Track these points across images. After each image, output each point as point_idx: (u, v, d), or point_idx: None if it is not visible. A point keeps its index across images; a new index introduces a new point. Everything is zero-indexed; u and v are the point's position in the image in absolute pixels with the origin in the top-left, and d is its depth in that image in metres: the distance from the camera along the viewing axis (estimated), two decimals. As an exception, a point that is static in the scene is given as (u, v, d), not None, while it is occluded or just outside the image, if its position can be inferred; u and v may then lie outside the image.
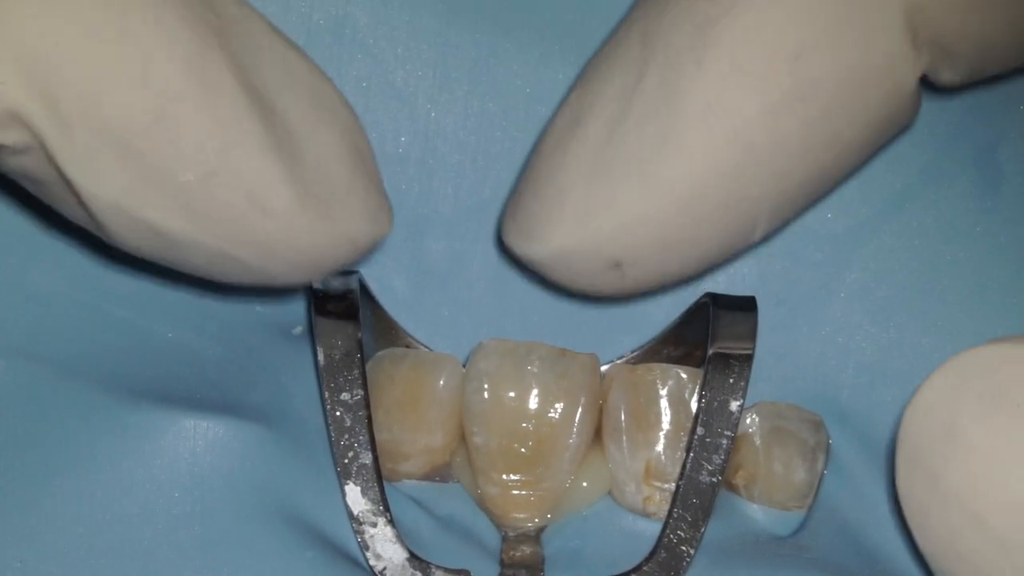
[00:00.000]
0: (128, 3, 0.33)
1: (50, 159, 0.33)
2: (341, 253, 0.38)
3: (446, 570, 0.39)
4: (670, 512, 0.40)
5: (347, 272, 0.42)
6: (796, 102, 0.35)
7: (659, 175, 0.36)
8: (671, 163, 0.36)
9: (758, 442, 0.43)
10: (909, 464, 0.35)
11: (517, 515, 0.42)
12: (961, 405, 0.33)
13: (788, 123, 0.35)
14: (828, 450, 0.44)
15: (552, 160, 0.38)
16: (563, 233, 0.38)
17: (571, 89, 0.40)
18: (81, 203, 0.35)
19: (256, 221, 0.35)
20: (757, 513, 0.43)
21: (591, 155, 0.37)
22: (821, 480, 0.43)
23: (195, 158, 0.34)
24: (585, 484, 0.42)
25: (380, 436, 0.41)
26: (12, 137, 0.33)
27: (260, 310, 0.45)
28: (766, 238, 0.39)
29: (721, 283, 0.45)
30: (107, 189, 0.34)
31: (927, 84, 0.37)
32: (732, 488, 0.43)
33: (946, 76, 0.37)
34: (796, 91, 0.35)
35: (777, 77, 0.35)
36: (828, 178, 0.38)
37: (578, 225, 0.37)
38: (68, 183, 0.34)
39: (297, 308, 0.45)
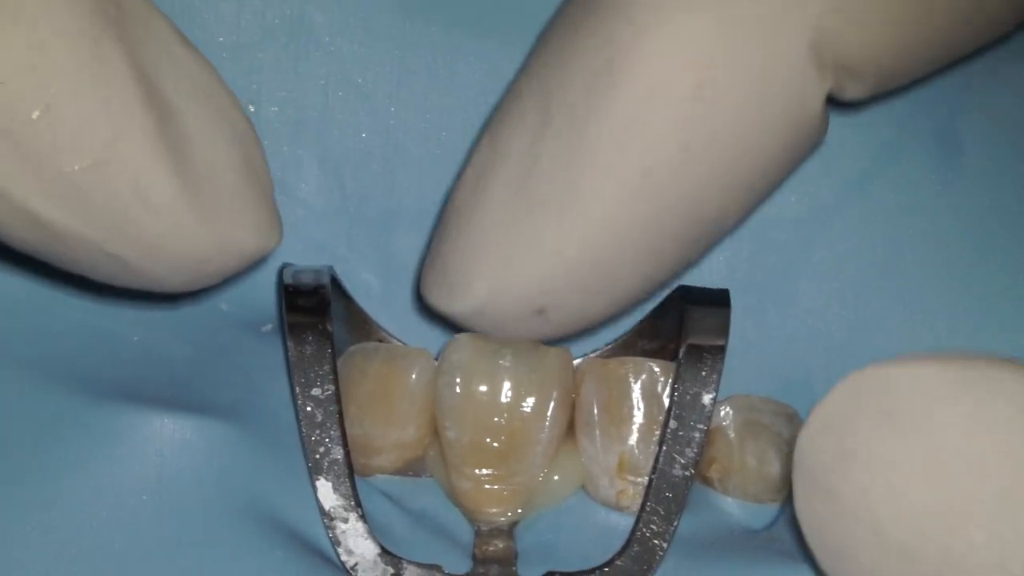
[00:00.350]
0: None
1: None
2: (226, 260, 0.37)
3: (418, 565, 0.39)
4: (643, 506, 0.40)
5: (319, 267, 0.42)
6: (702, 140, 0.35)
7: (573, 220, 0.36)
8: (583, 207, 0.36)
9: (732, 435, 0.43)
10: (806, 483, 0.35)
11: (490, 509, 0.41)
12: (856, 423, 0.34)
13: (696, 161, 0.35)
14: (802, 443, 0.43)
15: (464, 214, 0.39)
16: (485, 285, 0.38)
17: (475, 144, 0.40)
18: None
19: (139, 215, 0.35)
20: (731, 506, 0.43)
21: (504, 206, 0.37)
22: (795, 473, 0.43)
23: (82, 147, 0.34)
24: (558, 478, 0.42)
25: (352, 431, 0.41)
26: None
27: (226, 309, 0.45)
28: (689, 266, 0.39)
29: (688, 271, 0.45)
30: None
31: (832, 101, 0.37)
32: (706, 481, 0.43)
33: (850, 94, 0.37)
34: (701, 129, 0.35)
35: (680, 117, 0.35)
36: (742, 206, 0.38)
37: (499, 275, 0.38)
38: None
39: (265, 307, 0.45)
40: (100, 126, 0.34)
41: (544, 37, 0.39)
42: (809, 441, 0.35)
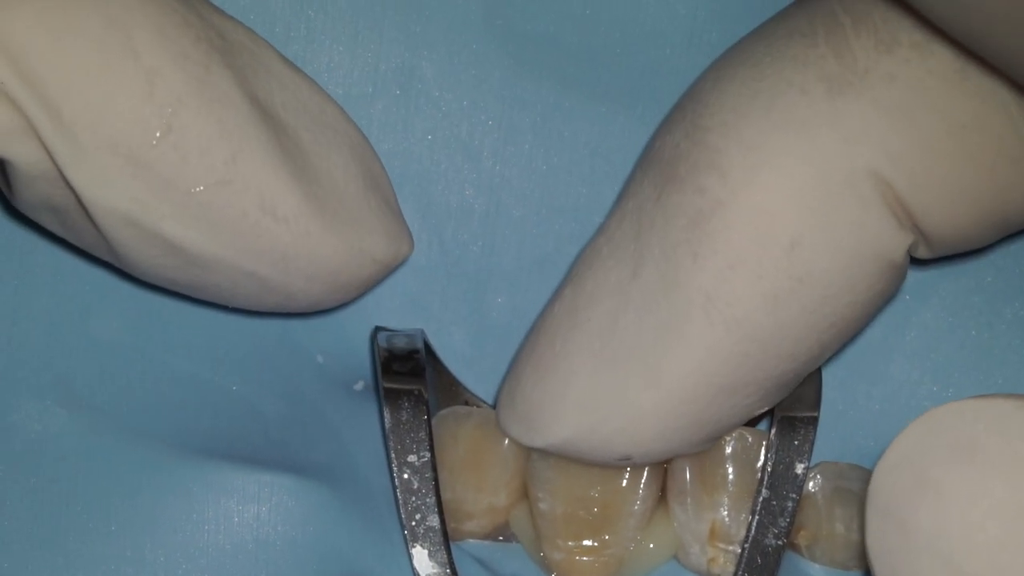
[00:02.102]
0: (132, 20, 0.34)
1: (60, 174, 0.34)
2: (360, 268, 0.39)
3: (513, 631, 0.39)
4: (736, 574, 0.40)
5: (411, 331, 0.42)
6: (795, 289, 0.36)
7: (662, 367, 0.37)
8: (674, 355, 0.37)
9: (820, 502, 0.43)
10: (880, 516, 0.35)
11: (583, 580, 0.42)
12: (932, 456, 0.34)
13: (788, 309, 0.36)
14: (889, 510, 0.44)
15: (552, 349, 0.39)
16: (569, 429, 0.39)
17: (565, 280, 0.40)
18: (94, 224, 0.35)
19: (269, 228, 0.36)
20: (819, 573, 0.43)
21: (593, 347, 0.38)
22: (882, 540, 0.43)
23: (204, 167, 0.35)
24: (651, 546, 0.42)
25: (444, 496, 0.41)
26: (21, 149, 0.34)
27: (322, 362, 0.45)
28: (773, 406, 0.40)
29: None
30: (118, 202, 0.35)
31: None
32: (794, 548, 0.43)
33: (922, 253, 0.38)
34: (794, 279, 0.36)
35: (774, 267, 0.36)
36: (828, 351, 0.38)
37: (583, 421, 0.38)
38: (79, 199, 0.35)
39: (360, 361, 0.45)
40: (218, 145, 0.35)
41: (640, 169, 0.39)
42: (885, 474, 0.35)
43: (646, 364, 0.37)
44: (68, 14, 0.33)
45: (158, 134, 0.34)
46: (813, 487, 0.43)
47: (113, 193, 0.34)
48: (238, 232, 0.36)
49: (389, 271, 0.40)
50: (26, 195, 0.36)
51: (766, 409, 0.39)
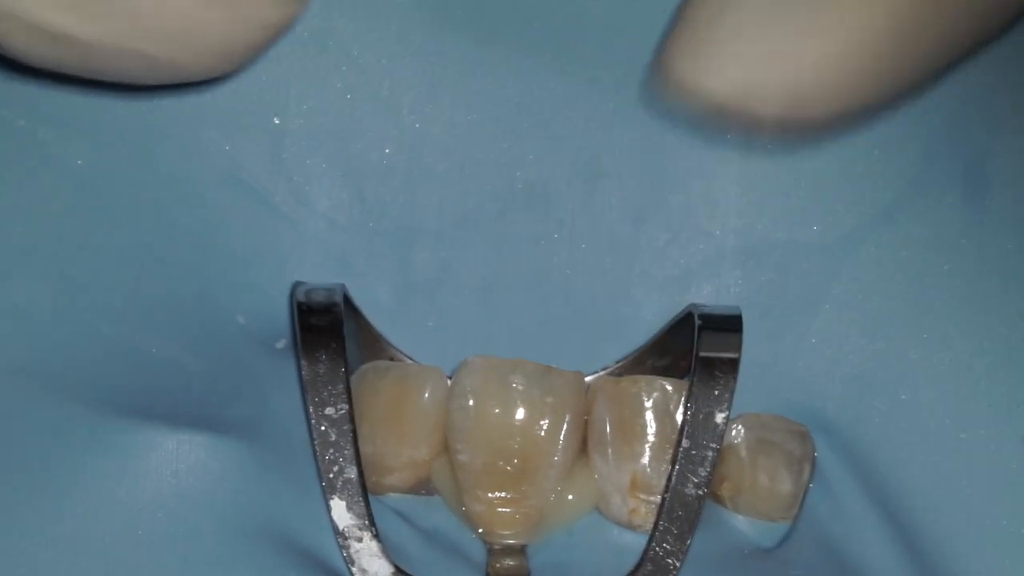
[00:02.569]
0: None
1: None
2: (249, 34, 0.37)
3: (431, 584, 0.39)
4: (656, 525, 0.40)
5: (331, 285, 0.42)
6: None
7: (826, 28, 0.36)
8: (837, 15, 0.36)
9: (743, 453, 0.43)
10: None
11: (503, 531, 0.41)
12: None
13: None
14: (814, 461, 0.44)
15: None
16: (740, 72, 0.38)
17: None
18: None
19: (149, 7, 0.35)
20: (742, 524, 0.43)
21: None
22: (807, 491, 0.43)
23: None
24: (571, 497, 0.42)
25: (364, 449, 0.41)
26: None
27: (243, 322, 0.45)
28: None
29: (707, 293, 0.45)
30: None
31: None
32: (717, 499, 0.43)
33: None
34: None
35: None
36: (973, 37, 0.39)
37: (753, 68, 0.37)
38: None
39: (280, 321, 0.45)
40: None
41: None
42: None
43: (811, 20, 0.37)
44: None
45: None
46: (736, 439, 0.43)
47: None
48: (119, 15, 0.35)
49: (281, 32, 0.39)
50: None
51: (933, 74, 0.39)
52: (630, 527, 0.42)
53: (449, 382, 0.42)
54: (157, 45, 0.36)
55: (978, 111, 0.44)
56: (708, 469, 0.40)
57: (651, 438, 0.42)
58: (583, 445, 0.42)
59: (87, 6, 0.34)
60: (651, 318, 0.45)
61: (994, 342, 0.43)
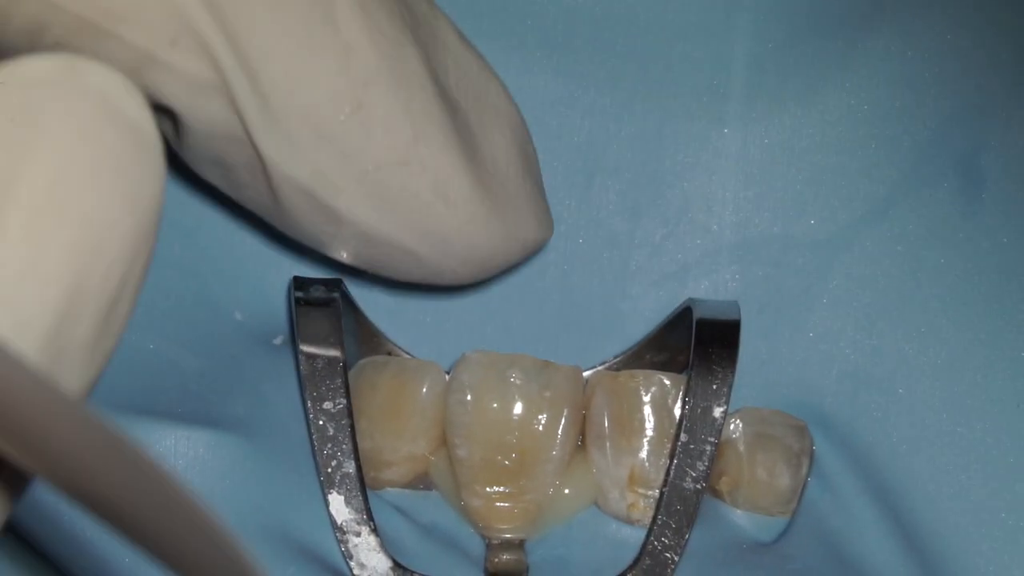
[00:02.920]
0: None
1: (248, 136, 0.33)
2: (512, 252, 0.38)
3: (430, 579, 0.39)
4: (654, 519, 0.40)
5: (329, 280, 0.42)
6: None
7: None
8: None
9: (742, 448, 0.43)
10: None
11: (501, 526, 0.41)
12: None
13: None
14: (812, 456, 0.44)
15: None
16: None
17: None
18: (271, 187, 0.35)
19: (439, 212, 0.36)
20: (741, 519, 0.43)
21: None
22: (805, 486, 0.43)
23: (387, 147, 0.34)
24: (569, 492, 0.42)
25: (362, 444, 0.41)
26: (209, 106, 0.33)
27: (240, 319, 0.45)
28: None
29: (704, 288, 0.45)
30: (299, 172, 0.34)
31: None
32: (716, 494, 0.43)
33: None
34: None
35: None
36: None
37: None
38: (263, 164, 0.34)
39: (278, 317, 0.45)
40: (402, 125, 0.34)
41: None
42: None
43: None
44: None
45: (348, 109, 0.33)
46: (735, 433, 0.43)
47: (296, 162, 0.34)
48: (407, 212, 0.35)
49: (533, 254, 0.40)
50: (198, 149, 0.35)
51: None
52: (628, 521, 0.42)
53: (447, 377, 0.42)
54: (431, 248, 0.37)
55: (972, 105, 0.44)
56: (706, 463, 0.40)
57: (649, 432, 0.42)
58: (581, 439, 0.42)
59: (380, 201, 0.35)
60: (649, 313, 0.45)
61: (990, 335, 0.43)
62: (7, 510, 0.26)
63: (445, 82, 0.36)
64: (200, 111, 0.33)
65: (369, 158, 0.34)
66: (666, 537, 0.40)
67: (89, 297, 0.25)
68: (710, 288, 0.45)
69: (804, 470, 0.43)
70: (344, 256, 0.38)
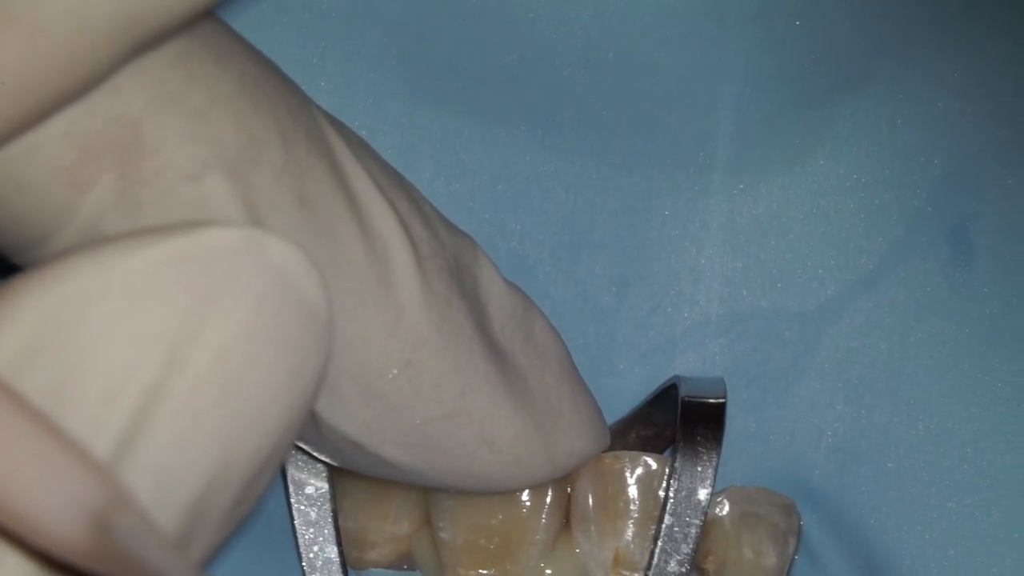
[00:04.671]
0: (391, 250, 0.33)
1: None
2: (561, 471, 0.39)
3: (413, 664, 0.39)
4: (639, 602, 0.40)
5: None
6: None
7: None
8: None
9: (728, 527, 0.43)
10: None
11: (484, 609, 0.41)
12: None
13: None
14: (800, 533, 0.43)
15: None
16: None
17: None
18: (318, 431, 0.35)
19: (483, 458, 0.36)
20: (727, 598, 0.43)
21: None
22: (792, 563, 0.43)
23: (434, 401, 0.35)
24: (554, 574, 0.42)
25: (346, 524, 0.41)
26: None
27: None
28: None
29: (691, 361, 0.45)
30: (347, 425, 0.34)
31: None
32: (702, 573, 0.43)
33: None
34: None
35: None
36: None
37: None
38: (313, 414, 0.34)
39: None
40: (450, 381, 0.35)
41: None
42: None
43: None
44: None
45: (396, 370, 0.33)
46: (721, 511, 0.43)
47: (344, 416, 0.34)
48: (451, 458, 0.36)
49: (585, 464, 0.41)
50: None
51: None
52: (613, 603, 0.42)
53: (431, 457, 0.42)
54: (474, 485, 0.38)
55: (962, 173, 0.44)
56: (691, 546, 0.40)
57: (635, 515, 0.41)
58: (566, 520, 0.42)
59: (425, 450, 0.36)
60: (635, 388, 0.45)
61: (980, 408, 0.43)
62: None
63: (491, 329, 0.37)
64: None
65: (417, 413, 0.34)
66: (651, 619, 0.40)
67: (236, 470, 0.26)
68: (697, 361, 0.45)
69: (791, 548, 0.43)
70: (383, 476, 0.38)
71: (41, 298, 0.24)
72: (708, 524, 0.42)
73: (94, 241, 0.25)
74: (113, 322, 0.24)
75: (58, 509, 0.22)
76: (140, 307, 0.24)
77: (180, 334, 0.24)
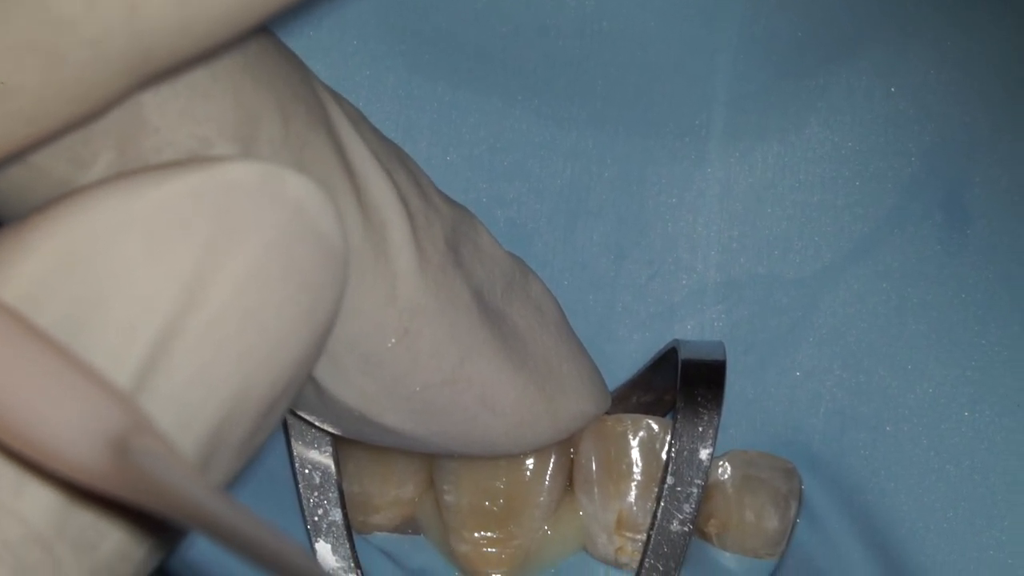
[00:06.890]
0: (388, 220, 0.33)
1: None
2: (564, 432, 0.39)
3: (417, 626, 0.39)
4: (641, 562, 0.40)
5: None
6: None
7: None
8: None
9: (730, 491, 0.43)
10: None
11: (489, 571, 0.41)
12: None
13: None
14: (800, 497, 0.44)
15: None
16: None
17: None
18: (322, 402, 0.35)
19: (485, 421, 0.36)
20: (729, 561, 0.43)
21: None
22: (793, 527, 0.43)
23: (432, 368, 0.35)
24: (557, 536, 0.42)
25: (350, 489, 0.41)
26: None
27: None
28: None
29: (690, 328, 0.45)
30: (347, 395, 0.34)
31: None
32: (704, 536, 0.43)
33: None
34: None
35: None
36: None
37: None
38: (315, 384, 0.34)
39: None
40: (448, 348, 0.35)
41: None
42: None
43: None
44: None
45: (394, 339, 0.34)
46: (723, 475, 0.43)
47: (344, 386, 0.34)
48: (454, 423, 0.36)
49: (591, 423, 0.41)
50: None
51: None
52: (616, 565, 0.42)
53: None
54: (480, 449, 0.38)
55: (956, 141, 0.44)
56: (693, 505, 0.40)
57: (637, 477, 0.42)
58: (569, 483, 0.42)
59: (426, 416, 0.36)
60: (635, 354, 0.45)
61: (976, 372, 0.43)
62: (162, 554, 0.27)
63: (489, 295, 0.37)
64: None
65: (416, 380, 0.35)
66: (654, 580, 0.40)
67: (253, 402, 0.26)
68: (696, 328, 0.45)
69: (792, 512, 0.43)
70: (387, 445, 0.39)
71: (59, 230, 0.24)
72: (710, 488, 0.42)
73: (112, 175, 0.25)
74: (132, 255, 0.24)
75: (78, 434, 0.22)
76: (160, 240, 0.24)
77: (199, 267, 0.25)
